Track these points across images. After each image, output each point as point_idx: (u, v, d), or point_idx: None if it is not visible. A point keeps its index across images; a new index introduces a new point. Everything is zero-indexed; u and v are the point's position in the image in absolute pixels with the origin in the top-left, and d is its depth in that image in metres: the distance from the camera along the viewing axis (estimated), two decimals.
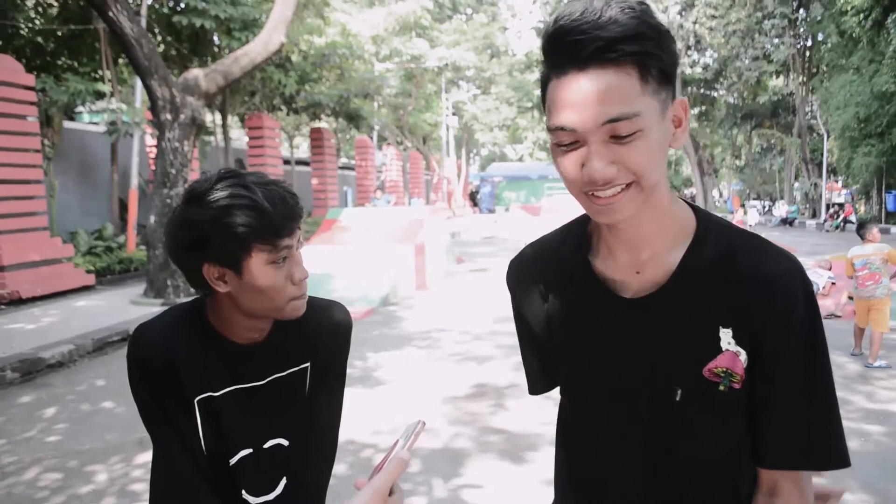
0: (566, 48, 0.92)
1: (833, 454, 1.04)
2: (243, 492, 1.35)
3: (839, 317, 8.74)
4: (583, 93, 0.91)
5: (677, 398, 1.07)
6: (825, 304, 9.21)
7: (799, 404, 1.04)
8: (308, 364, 1.42)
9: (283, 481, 1.40)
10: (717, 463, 1.10)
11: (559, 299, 1.19)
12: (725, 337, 1.04)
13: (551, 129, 0.95)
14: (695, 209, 1.12)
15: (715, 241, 1.07)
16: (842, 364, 6.42)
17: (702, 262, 1.06)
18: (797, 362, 1.03)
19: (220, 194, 1.20)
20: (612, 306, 1.11)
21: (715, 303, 1.05)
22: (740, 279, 1.04)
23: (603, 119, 0.90)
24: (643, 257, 1.08)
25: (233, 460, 1.34)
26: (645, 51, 0.90)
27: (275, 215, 1.22)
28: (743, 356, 1.04)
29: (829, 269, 9.80)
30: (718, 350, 1.04)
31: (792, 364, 1.03)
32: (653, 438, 1.10)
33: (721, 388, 1.05)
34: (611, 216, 0.98)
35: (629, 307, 1.09)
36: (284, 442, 1.40)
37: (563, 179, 0.99)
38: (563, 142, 0.95)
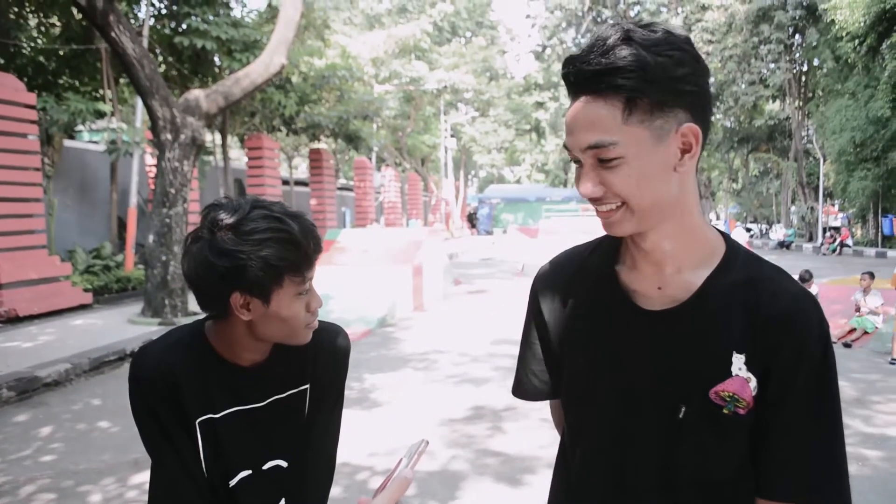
0: (565, 77, 1.04)
1: (834, 493, 1.05)
2: None
3: (855, 340, 8.78)
4: (573, 119, 1.02)
5: (681, 416, 1.09)
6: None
7: (804, 440, 1.05)
8: (307, 386, 1.43)
9: (282, 503, 1.41)
10: (722, 481, 1.11)
11: (582, 305, 1.22)
12: (737, 362, 1.06)
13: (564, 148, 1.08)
14: (725, 237, 1.16)
15: (740, 268, 1.11)
16: (840, 388, 6.40)
17: (725, 286, 1.09)
18: (807, 399, 1.05)
19: (257, 225, 1.22)
20: (631, 316, 1.14)
21: (732, 327, 1.07)
22: (760, 309, 1.07)
23: (583, 144, 1.01)
24: (667, 273, 1.12)
25: (232, 482, 1.35)
26: (626, 85, 0.97)
27: (307, 248, 1.25)
28: (753, 383, 1.06)
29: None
30: (728, 374, 1.06)
31: (801, 400, 1.05)
32: (657, 453, 1.12)
33: (725, 411, 1.06)
34: (610, 229, 1.09)
35: (648, 319, 1.12)
36: (283, 463, 1.40)
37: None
38: (569, 159, 1.09)
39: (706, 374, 1.07)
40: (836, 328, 9.05)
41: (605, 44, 0.98)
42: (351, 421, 5.34)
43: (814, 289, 9.13)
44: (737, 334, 1.07)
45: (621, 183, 1.01)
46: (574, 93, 1.02)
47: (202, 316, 1.38)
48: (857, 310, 9.05)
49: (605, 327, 1.16)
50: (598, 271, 1.21)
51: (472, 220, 49.59)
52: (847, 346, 8.64)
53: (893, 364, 7.45)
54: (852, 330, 8.90)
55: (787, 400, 1.05)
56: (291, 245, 1.23)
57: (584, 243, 1.30)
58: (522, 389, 1.35)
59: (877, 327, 8.83)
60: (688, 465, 1.10)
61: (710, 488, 1.11)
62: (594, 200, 1.05)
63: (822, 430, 1.06)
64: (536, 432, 5.10)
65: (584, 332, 1.20)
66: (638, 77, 0.96)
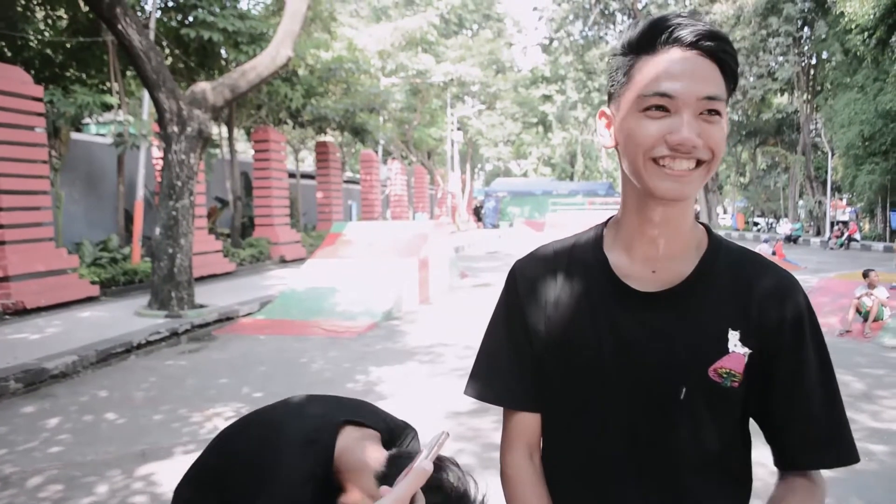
0: (673, 30, 1.05)
1: (856, 451, 1.13)
2: None
3: (849, 332, 8.74)
4: (688, 68, 1.04)
5: (681, 397, 1.11)
6: (828, 323, 9.21)
7: (825, 408, 1.12)
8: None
9: None
10: (714, 456, 1.15)
11: (572, 287, 1.21)
12: (733, 339, 1.11)
13: (646, 95, 1.05)
14: (707, 228, 1.21)
15: (726, 254, 1.18)
16: (847, 382, 6.39)
17: (716, 270, 1.15)
18: (815, 368, 1.13)
19: None
20: (626, 299, 1.15)
21: (727, 306, 1.13)
22: (752, 288, 1.14)
23: (703, 94, 1.03)
24: (660, 257, 1.15)
25: None
26: (729, 52, 1.05)
27: None
28: (747, 357, 1.11)
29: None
30: (725, 351, 1.11)
31: (812, 371, 1.12)
32: (655, 435, 1.14)
33: (722, 387, 1.12)
34: (678, 190, 1.06)
35: (644, 301, 1.14)
36: None
37: (635, 146, 1.07)
38: (655, 108, 1.05)
39: (705, 353, 1.11)
40: (841, 322, 9.03)
41: (694, 17, 1.06)
42: None
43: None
44: (731, 312, 1.12)
45: (719, 137, 1.05)
46: (684, 46, 1.04)
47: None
48: (857, 309, 8.96)
49: (606, 313, 1.16)
50: (588, 260, 1.21)
51: (478, 213, 49.50)
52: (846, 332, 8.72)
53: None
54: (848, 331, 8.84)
55: (802, 375, 1.12)
56: None
57: (562, 238, 1.30)
58: (481, 390, 1.30)
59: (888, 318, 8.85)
60: (683, 443, 1.13)
61: (703, 464, 1.14)
62: (680, 150, 1.03)
63: (834, 394, 1.14)
64: None
65: (575, 319, 1.18)
66: (734, 52, 1.07)
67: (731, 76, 1.06)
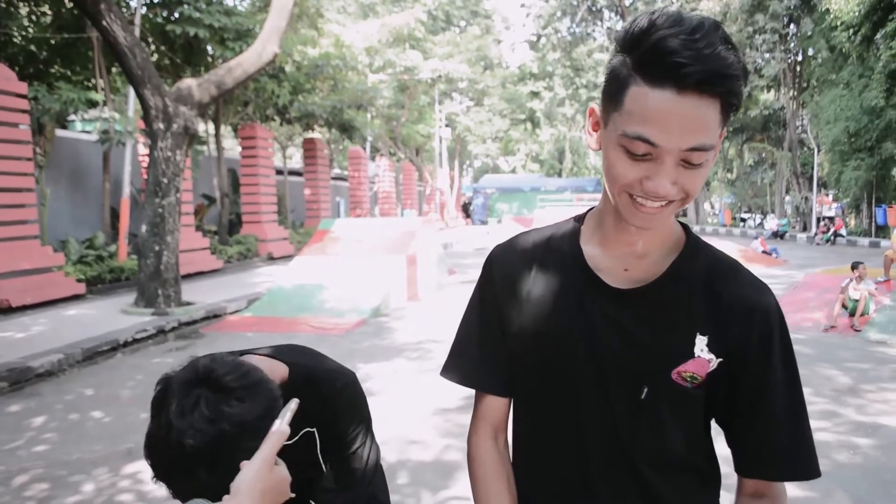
0: (670, 66, 0.91)
1: (817, 465, 1.11)
2: None
3: (834, 327, 8.79)
4: (677, 116, 0.93)
5: (643, 396, 1.11)
6: (814, 318, 9.27)
7: (789, 420, 1.11)
8: (314, 429, 1.54)
9: None
10: (676, 457, 1.15)
11: (546, 277, 1.20)
12: (700, 343, 1.10)
13: (629, 136, 0.97)
14: (684, 226, 1.19)
15: (702, 256, 1.15)
16: (832, 377, 6.43)
17: (690, 271, 1.13)
18: (782, 380, 1.10)
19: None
20: (597, 292, 1.14)
21: (696, 310, 1.11)
22: (724, 295, 1.11)
23: (687, 145, 0.95)
24: (635, 256, 1.14)
25: None
26: (733, 91, 0.94)
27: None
28: (714, 363, 1.10)
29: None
30: (691, 355, 1.09)
31: (779, 383, 1.10)
32: (617, 433, 1.14)
33: (683, 390, 1.11)
34: (648, 223, 1.05)
35: (615, 297, 1.13)
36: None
37: (612, 178, 1.03)
38: (636, 151, 0.97)
39: (670, 355, 1.10)
40: (827, 317, 9.09)
41: (709, 40, 0.91)
42: None
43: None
44: (700, 317, 1.11)
45: (697, 184, 1.00)
46: (680, 87, 0.92)
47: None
48: (843, 304, 9.01)
49: (577, 305, 1.16)
50: (564, 251, 1.21)
51: (466, 209, 49.52)
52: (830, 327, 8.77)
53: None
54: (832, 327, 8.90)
55: (767, 386, 1.10)
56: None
57: (542, 227, 1.30)
58: (454, 372, 1.33)
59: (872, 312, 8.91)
60: (645, 443, 1.13)
61: (668, 463, 1.14)
62: (650, 197, 0.99)
63: (802, 409, 1.12)
64: None
65: (555, 311, 1.18)
66: (740, 85, 0.94)
67: (734, 109, 0.97)
